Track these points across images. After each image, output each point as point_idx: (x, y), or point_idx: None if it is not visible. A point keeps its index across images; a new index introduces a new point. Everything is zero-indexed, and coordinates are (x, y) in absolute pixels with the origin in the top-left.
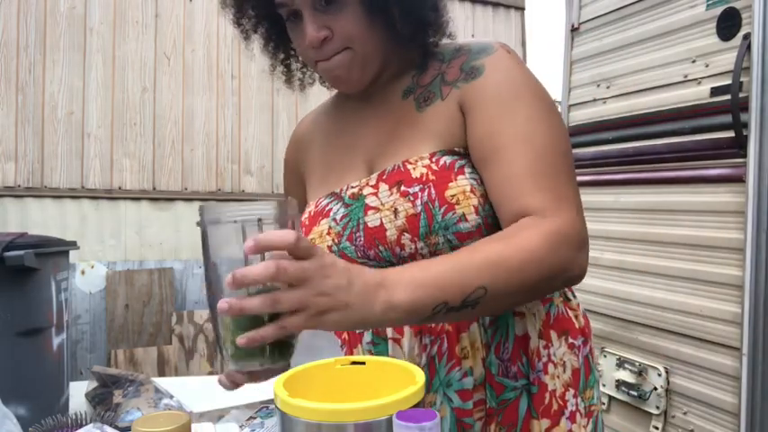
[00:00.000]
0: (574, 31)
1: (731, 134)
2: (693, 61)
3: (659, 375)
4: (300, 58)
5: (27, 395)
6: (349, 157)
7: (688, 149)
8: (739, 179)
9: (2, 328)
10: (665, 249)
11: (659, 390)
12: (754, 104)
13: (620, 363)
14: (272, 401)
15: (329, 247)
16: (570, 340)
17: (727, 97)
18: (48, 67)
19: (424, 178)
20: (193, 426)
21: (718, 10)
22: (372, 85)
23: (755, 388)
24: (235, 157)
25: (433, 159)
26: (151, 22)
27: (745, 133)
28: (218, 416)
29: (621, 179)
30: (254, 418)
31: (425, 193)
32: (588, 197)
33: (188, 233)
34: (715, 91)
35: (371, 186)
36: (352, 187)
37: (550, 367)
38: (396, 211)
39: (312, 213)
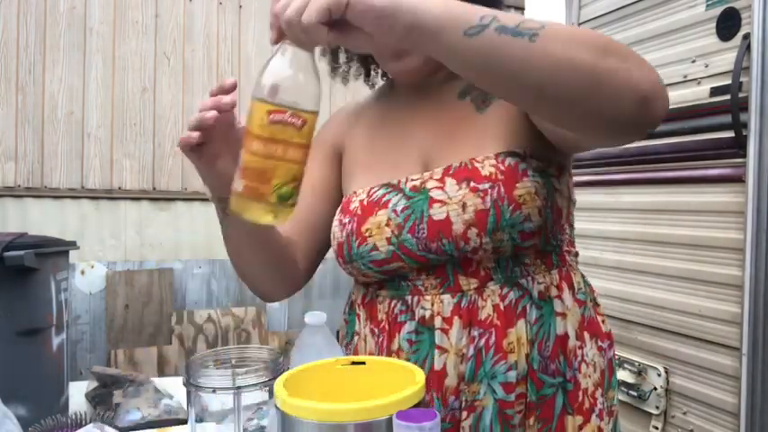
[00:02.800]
0: None
1: (731, 134)
2: (693, 61)
3: (659, 375)
4: (349, 52)
5: (27, 395)
6: (401, 149)
7: (688, 149)
8: (739, 179)
9: (2, 328)
10: (665, 249)
11: (659, 390)
12: (754, 104)
13: (620, 363)
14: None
15: (388, 239)
16: (599, 343)
17: (727, 97)
18: (48, 67)
19: (493, 177)
20: (195, 425)
21: (718, 10)
22: (429, 80)
23: (755, 388)
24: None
25: (499, 160)
26: (151, 22)
27: (744, 133)
28: (218, 416)
29: (621, 179)
30: (252, 419)
31: (495, 191)
32: (588, 197)
33: (188, 233)
34: (715, 91)
35: (436, 180)
36: (413, 180)
37: (583, 367)
38: (464, 206)
39: (366, 203)
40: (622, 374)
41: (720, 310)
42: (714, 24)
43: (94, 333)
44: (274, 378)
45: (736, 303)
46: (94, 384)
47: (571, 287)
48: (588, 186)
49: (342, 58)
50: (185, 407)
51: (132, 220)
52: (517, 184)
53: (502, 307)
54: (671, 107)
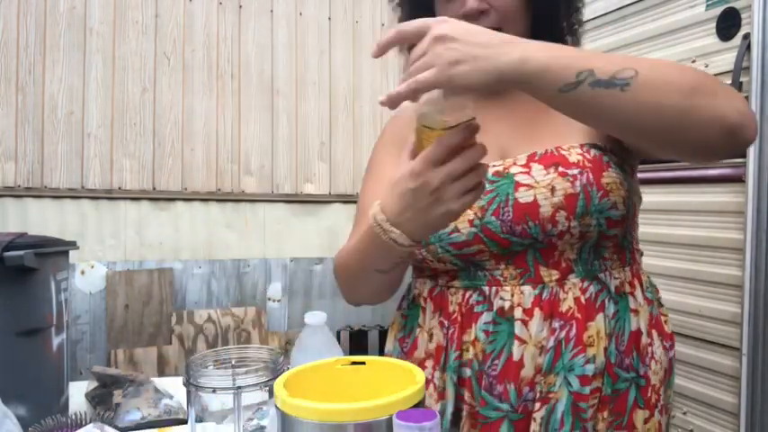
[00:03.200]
0: None
1: None
2: (693, 61)
3: None
4: None
5: (27, 395)
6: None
7: None
8: (739, 179)
9: (2, 328)
10: (665, 249)
11: None
12: (754, 104)
13: None
14: (265, 403)
15: (470, 221)
16: (664, 342)
17: None
18: (47, 67)
19: (580, 164)
20: (195, 425)
21: (718, 10)
22: None
23: (755, 388)
24: (235, 157)
25: (584, 149)
26: (151, 22)
27: None
28: (218, 416)
29: None
30: (252, 419)
31: (584, 177)
32: None
33: (188, 233)
34: None
35: (521, 166)
36: (495, 166)
37: (653, 363)
38: (553, 189)
39: None
40: None
41: (720, 310)
42: (714, 24)
43: (94, 333)
44: (274, 378)
45: (736, 303)
46: (94, 384)
47: (641, 285)
48: None
49: None
50: (185, 407)
51: (132, 220)
52: (603, 173)
53: (582, 300)
54: None
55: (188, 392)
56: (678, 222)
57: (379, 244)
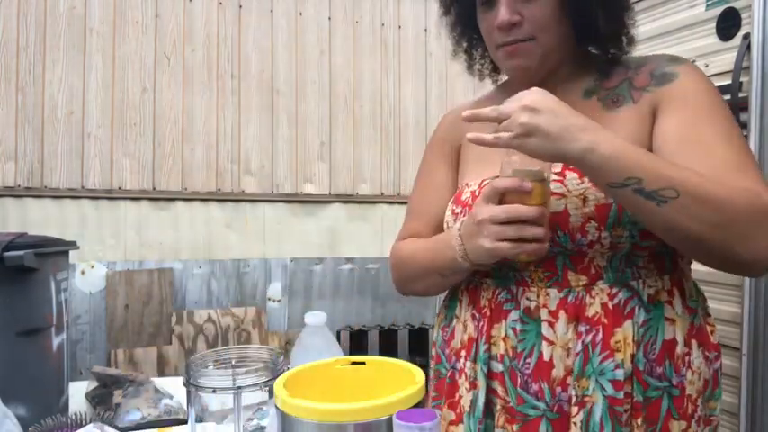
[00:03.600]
0: None
1: None
2: (693, 61)
3: None
4: (480, 49)
5: (27, 395)
6: None
7: None
8: None
9: (2, 328)
10: None
11: None
12: (754, 104)
13: None
14: (265, 403)
15: None
16: (706, 353)
17: (727, 97)
18: (48, 67)
19: None
20: (195, 425)
21: (718, 10)
22: (548, 80)
23: (755, 388)
24: (235, 157)
25: None
26: (151, 22)
27: (744, 133)
28: (218, 416)
29: None
30: (252, 419)
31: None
32: None
33: (188, 233)
34: None
35: (556, 174)
36: None
37: (689, 374)
38: (585, 199)
39: (478, 194)
40: None
41: (720, 310)
42: (714, 24)
43: (94, 333)
44: (274, 378)
45: (736, 303)
46: (94, 384)
47: (682, 293)
48: None
49: (476, 55)
50: (185, 407)
51: (132, 220)
52: None
53: (610, 306)
54: None
55: (188, 392)
56: None
57: (449, 253)
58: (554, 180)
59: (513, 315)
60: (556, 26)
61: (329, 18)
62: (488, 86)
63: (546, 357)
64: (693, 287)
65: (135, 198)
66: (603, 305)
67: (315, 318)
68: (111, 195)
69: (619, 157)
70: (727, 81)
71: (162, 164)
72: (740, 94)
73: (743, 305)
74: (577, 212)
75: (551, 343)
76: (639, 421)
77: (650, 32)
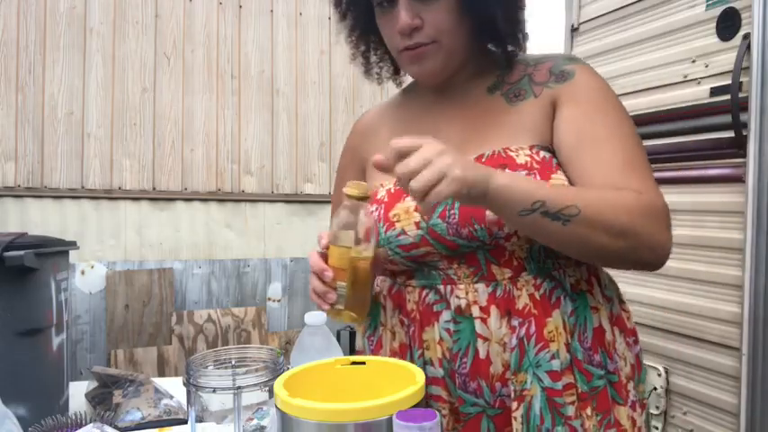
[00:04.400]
0: (574, 31)
1: (731, 134)
2: (693, 61)
3: (659, 375)
4: (379, 53)
5: (27, 395)
6: None
7: (688, 149)
8: (739, 179)
9: (2, 328)
10: None
11: (659, 390)
12: (754, 104)
13: None
14: (265, 403)
15: (416, 224)
16: (627, 339)
17: (727, 97)
18: (48, 67)
19: (528, 165)
20: (195, 425)
21: (718, 10)
22: (453, 79)
23: (755, 388)
24: (235, 157)
25: (533, 151)
26: (151, 22)
27: (744, 133)
28: (218, 416)
29: None
30: (252, 419)
31: (532, 178)
32: None
33: (188, 233)
34: (715, 91)
35: None
36: None
37: (618, 360)
38: None
39: (393, 191)
40: None
41: (720, 310)
42: (714, 24)
43: (94, 333)
44: (274, 378)
45: (737, 303)
46: (94, 384)
47: (599, 283)
48: None
49: (373, 60)
50: (185, 407)
51: (132, 220)
52: (552, 175)
53: (537, 296)
54: (671, 107)
55: (188, 392)
56: (678, 222)
57: None
58: None
59: (446, 315)
60: (457, 27)
61: (329, 18)
62: None
63: (482, 355)
64: (606, 277)
65: (135, 198)
66: (531, 296)
67: (315, 318)
68: (111, 195)
69: (516, 187)
70: (727, 81)
71: (162, 164)
72: (740, 94)
73: (743, 305)
74: None
75: (486, 339)
76: (589, 411)
77: (650, 32)
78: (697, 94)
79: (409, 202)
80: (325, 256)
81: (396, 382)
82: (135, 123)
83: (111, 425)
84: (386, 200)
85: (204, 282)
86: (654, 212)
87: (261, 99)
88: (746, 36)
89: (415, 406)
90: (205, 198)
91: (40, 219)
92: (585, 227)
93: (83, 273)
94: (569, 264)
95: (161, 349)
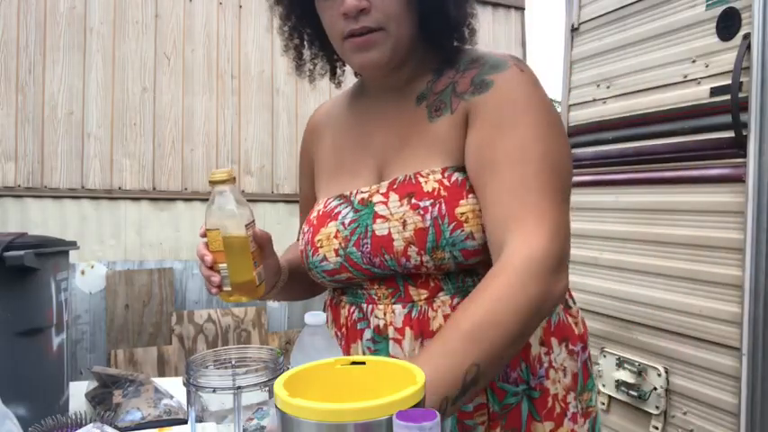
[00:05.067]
0: (574, 31)
1: (731, 134)
2: (693, 61)
3: (659, 375)
4: (314, 48)
5: (27, 395)
6: (360, 156)
7: (688, 149)
8: (739, 179)
9: (2, 328)
10: (665, 249)
11: (659, 390)
12: (754, 104)
13: (620, 363)
14: (266, 403)
15: (335, 251)
16: (570, 347)
17: (727, 97)
18: (48, 67)
19: (435, 193)
20: (195, 426)
21: (718, 10)
22: (391, 79)
23: (755, 388)
24: (235, 157)
25: (445, 175)
26: (151, 22)
27: (744, 133)
28: (218, 416)
29: (621, 179)
30: (252, 419)
31: (436, 209)
32: (588, 197)
33: (188, 233)
34: (715, 91)
35: (382, 195)
36: (362, 192)
37: (552, 372)
38: (404, 223)
39: (321, 213)
40: (622, 374)
41: (720, 310)
42: (714, 24)
43: (94, 333)
44: (274, 378)
45: (737, 303)
46: (94, 384)
47: None
48: (588, 186)
49: (306, 55)
50: (185, 407)
51: (132, 220)
52: (461, 201)
53: None
54: (671, 107)
55: (188, 392)
56: (678, 222)
57: None
58: (380, 202)
59: (367, 334)
60: (405, 15)
61: None
62: None
63: None
64: None
65: (135, 198)
66: (446, 317)
67: (315, 318)
68: (111, 195)
69: (431, 382)
70: (727, 81)
71: (162, 164)
72: (740, 94)
73: (743, 305)
74: (399, 236)
75: None
76: (498, 431)
77: (650, 32)
78: (697, 94)
79: (332, 228)
80: (207, 245)
81: (396, 382)
82: (135, 123)
83: (111, 425)
84: (314, 223)
85: (204, 282)
86: (531, 273)
87: (261, 99)
88: (746, 36)
89: (415, 406)
90: (205, 198)
91: (40, 219)
92: (493, 366)
93: (83, 273)
94: None
95: (161, 349)
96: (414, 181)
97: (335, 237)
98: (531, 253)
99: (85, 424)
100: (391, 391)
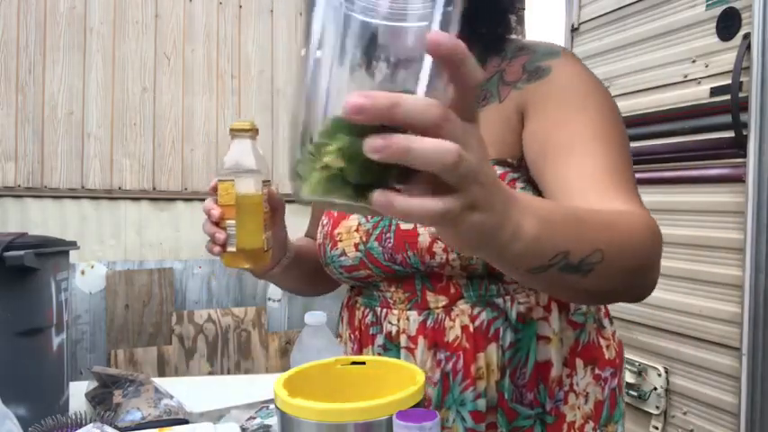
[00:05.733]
0: (574, 31)
1: (731, 134)
2: (693, 61)
3: (659, 375)
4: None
5: (27, 395)
6: None
7: (688, 149)
8: (739, 179)
9: (2, 328)
10: (665, 249)
11: (659, 390)
12: (754, 104)
13: None
14: (272, 401)
15: (356, 245)
16: (597, 371)
17: (727, 97)
18: (48, 67)
19: None
20: (193, 426)
21: (718, 10)
22: None
23: (755, 388)
24: None
25: None
26: (151, 22)
27: (744, 133)
28: (218, 416)
29: None
30: (254, 418)
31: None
32: None
33: (188, 233)
34: (715, 91)
35: None
36: None
37: (571, 397)
38: None
39: None
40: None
41: (720, 310)
42: (714, 24)
43: (94, 333)
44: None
45: (737, 303)
46: (94, 384)
47: (565, 307)
48: None
49: None
50: (185, 407)
51: (132, 220)
52: None
53: (471, 329)
54: (671, 107)
55: None
56: (678, 222)
57: None
58: None
59: (379, 340)
60: None
61: None
62: None
63: None
64: None
65: (135, 198)
66: (464, 328)
67: (315, 318)
68: (111, 195)
69: (542, 238)
70: (727, 81)
71: (162, 164)
72: (740, 94)
73: (743, 305)
74: (425, 231)
75: None
76: None
77: (650, 32)
78: (697, 94)
79: (353, 220)
80: (215, 199)
81: (396, 382)
82: (135, 123)
83: (111, 425)
84: (335, 215)
85: (204, 282)
86: (658, 239)
87: (261, 99)
88: (746, 36)
89: (415, 406)
90: (205, 198)
91: (40, 219)
92: (604, 275)
93: (83, 273)
94: (521, 289)
95: (161, 349)
96: None
97: (357, 230)
98: (651, 222)
99: (85, 424)
100: (391, 391)
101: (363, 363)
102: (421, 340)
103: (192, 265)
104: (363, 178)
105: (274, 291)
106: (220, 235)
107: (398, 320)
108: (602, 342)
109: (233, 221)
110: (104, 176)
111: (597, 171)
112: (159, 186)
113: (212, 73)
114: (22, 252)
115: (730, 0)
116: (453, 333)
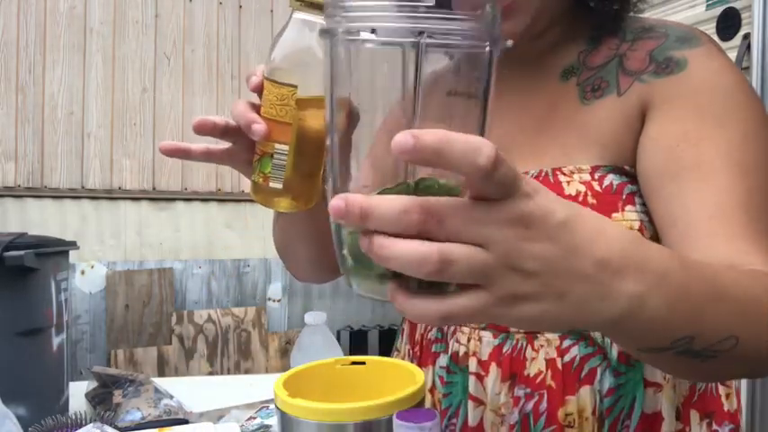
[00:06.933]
0: None
1: None
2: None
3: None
4: None
5: (27, 395)
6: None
7: None
8: None
9: (2, 328)
10: None
11: None
12: None
13: None
14: (272, 401)
15: None
16: (714, 426)
17: None
18: (48, 67)
19: (580, 199)
20: (193, 426)
21: (718, 10)
22: (527, 47)
23: (755, 388)
24: None
25: (596, 176)
26: (151, 22)
27: None
28: (218, 416)
29: None
30: (254, 418)
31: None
32: None
33: (188, 233)
34: None
35: None
36: None
37: None
38: None
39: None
40: None
41: None
42: (714, 24)
43: (94, 333)
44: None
45: None
46: (94, 384)
47: None
48: None
49: None
50: (185, 407)
51: (132, 220)
52: (614, 215)
53: (559, 364)
54: None
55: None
56: None
57: None
58: None
59: (442, 360)
60: None
61: None
62: None
63: (472, 421)
64: None
65: (135, 198)
66: (550, 363)
67: (315, 318)
68: (111, 195)
69: (673, 319)
70: None
71: (162, 164)
72: None
73: None
74: None
75: (480, 403)
76: None
77: None
78: None
79: None
80: (257, 107)
81: (396, 382)
82: (135, 123)
83: (111, 425)
84: None
85: (204, 282)
86: None
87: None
88: (746, 36)
89: (415, 406)
90: (205, 198)
91: (40, 219)
92: (729, 362)
93: (83, 273)
94: None
95: (161, 349)
96: (551, 179)
97: None
98: None
99: (85, 424)
100: (391, 391)
101: (363, 363)
102: (494, 368)
103: (191, 265)
104: (374, 268)
105: (274, 291)
106: (260, 126)
107: (468, 340)
108: (722, 391)
109: (284, 146)
110: (104, 176)
111: (729, 207)
112: (159, 186)
113: (212, 73)
114: (21, 252)
115: (730, 0)
116: (536, 366)
